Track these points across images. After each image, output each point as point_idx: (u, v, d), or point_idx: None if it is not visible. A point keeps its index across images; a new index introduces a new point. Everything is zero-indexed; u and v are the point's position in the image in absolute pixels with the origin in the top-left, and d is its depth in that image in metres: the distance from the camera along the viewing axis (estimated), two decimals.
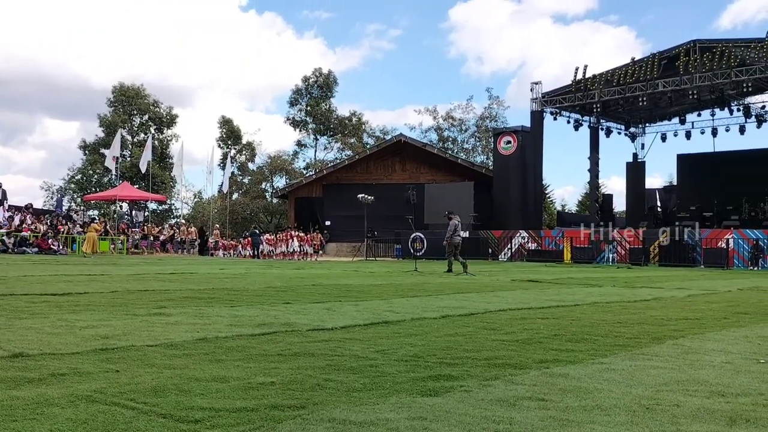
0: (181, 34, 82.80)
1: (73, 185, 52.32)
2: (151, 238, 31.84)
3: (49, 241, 27.29)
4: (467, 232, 33.28)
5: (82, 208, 41.26)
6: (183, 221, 36.46)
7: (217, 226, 36.86)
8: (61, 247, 27.84)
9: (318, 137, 57.95)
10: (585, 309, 7.92)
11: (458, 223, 17.70)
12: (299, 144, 58.48)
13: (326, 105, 56.86)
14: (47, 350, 4.27)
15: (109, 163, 35.58)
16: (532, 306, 8.09)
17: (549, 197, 54.90)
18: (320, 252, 33.50)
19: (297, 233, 33.12)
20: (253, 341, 4.85)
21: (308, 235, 33.33)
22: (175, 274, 13.70)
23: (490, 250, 33.23)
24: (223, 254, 34.85)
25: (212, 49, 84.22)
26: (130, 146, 51.80)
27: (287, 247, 32.75)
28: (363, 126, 58.26)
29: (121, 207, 38.03)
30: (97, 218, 35.67)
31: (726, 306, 8.75)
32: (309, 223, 36.57)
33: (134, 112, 52.57)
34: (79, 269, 15.01)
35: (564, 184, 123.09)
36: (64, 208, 33.29)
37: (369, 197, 31.72)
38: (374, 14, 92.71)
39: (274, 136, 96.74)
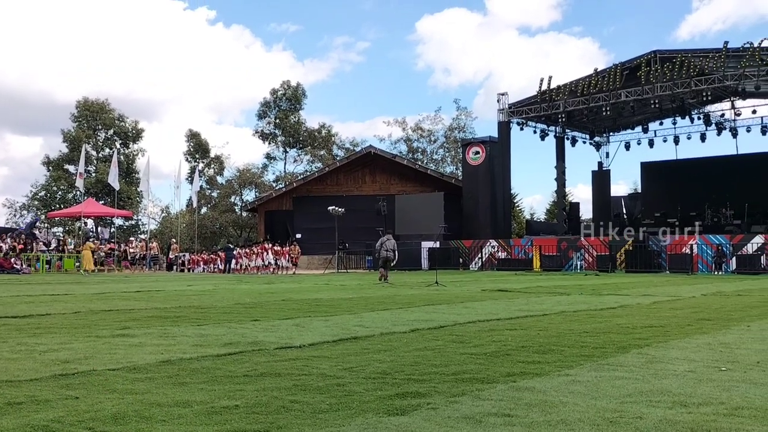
0: (148, 47, 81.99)
1: (36, 202, 51.16)
2: (116, 254, 31.24)
3: (12, 260, 26.64)
4: (438, 242, 33.46)
5: (45, 225, 40.37)
6: (141, 237, 35.44)
7: (174, 240, 36.16)
8: (23, 266, 27.20)
9: (287, 150, 57.74)
10: (552, 318, 7.99)
11: (386, 239, 19.25)
12: (268, 157, 58.18)
13: (295, 117, 56.71)
14: (4, 377, 4.14)
15: (79, 183, 34.91)
16: (500, 317, 8.13)
17: (518, 206, 55.45)
18: (296, 264, 32.83)
19: (272, 246, 32.48)
20: (218, 362, 4.78)
21: (285, 248, 32.67)
22: (141, 292, 13.47)
23: (461, 260, 33.42)
24: (204, 269, 34.32)
25: (180, 63, 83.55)
26: (95, 162, 50.93)
27: (263, 261, 32.14)
28: (332, 138, 58.22)
29: (85, 224, 37.30)
30: (91, 237, 34.87)
31: (690, 312, 8.91)
32: (286, 236, 36.23)
33: (99, 127, 51.72)
34: (42, 289, 14.67)
35: (532, 193, 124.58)
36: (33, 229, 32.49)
37: (339, 209, 31.69)
38: (342, 27, 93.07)
39: (242, 149, 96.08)
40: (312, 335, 6.33)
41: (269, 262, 31.54)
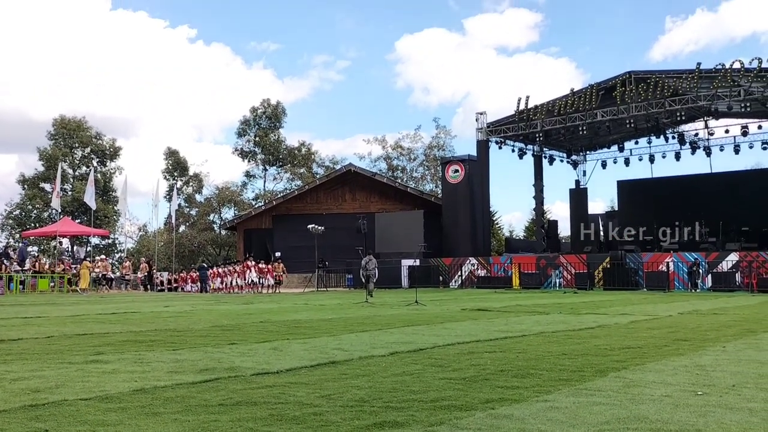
0: (128, 64, 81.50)
1: (11, 221, 50.28)
2: (93, 274, 30.65)
3: None
4: (418, 260, 33.46)
5: (20, 244, 39.63)
6: (100, 257, 34.52)
7: (143, 259, 35.62)
8: None
9: (267, 168, 57.56)
10: (531, 340, 8.00)
11: (368, 260, 21.60)
12: (248, 175, 57.92)
13: (275, 135, 56.64)
14: None
15: (55, 203, 34.37)
16: (480, 338, 8.12)
17: (497, 223, 55.76)
18: (281, 282, 32.13)
19: (255, 264, 31.56)
20: (193, 390, 4.70)
21: (269, 266, 32.00)
22: (117, 314, 13.25)
23: (441, 278, 33.42)
24: (192, 287, 33.62)
25: (159, 80, 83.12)
26: (71, 180, 50.29)
27: (245, 279, 31.18)
28: (312, 156, 58.20)
29: (61, 243, 36.71)
30: (66, 256, 34.13)
31: (666, 332, 8.98)
32: (265, 254, 35.89)
33: (76, 145, 51.14)
34: (15, 311, 14.36)
35: (511, 210, 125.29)
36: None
37: (319, 227, 31.55)
38: (322, 46, 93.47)
39: (222, 167, 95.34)
40: (290, 360, 6.26)
41: (252, 281, 31.02)
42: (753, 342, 7.77)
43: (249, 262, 31.36)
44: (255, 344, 7.63)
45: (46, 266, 31.30)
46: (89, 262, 30.29)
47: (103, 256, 36.89)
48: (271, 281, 31.14)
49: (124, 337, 8.53)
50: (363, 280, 22.20)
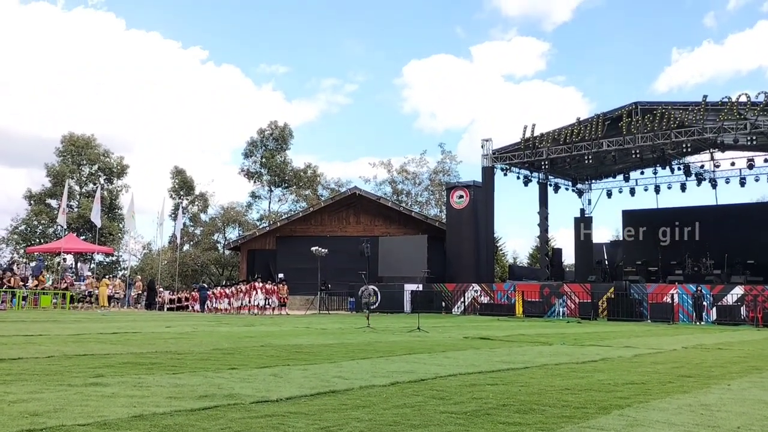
0: (141, 84, 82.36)
1: (16, 236, 50.44)
2: (96, 293, 30.66)
3: None
4: (421, 285, 33.36)
5: (24, 260, 39.74)
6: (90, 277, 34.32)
7: (138, 277, 35.56)
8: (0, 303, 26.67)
9: (272, 189, 57.77)
10: (534, 372, 7.92)
11: (365, 288, 23.57)
12: (253, 195, 58.14)
13: (281, 157, 56.94)
14: None
15: (61, 220, 34.51)
16: (482, 369, 8.05)
17: (501, 250, 55.63)
18: (285, 304, 31.75)
19: (262, 285, 30.65)
20: (192, 418, 4.66)
21: (275, 286, 31.62)
22: (118, 333, 13.21)
23: (443, 304, 33.28)
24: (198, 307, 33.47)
25: (169, 100, 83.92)
26: (78, 196, 50.54)
27: (250, 300, 30.44)
28: (318, 178, 58.42)
29: (65, 260, 36.76)
30: (69, 272, 34.18)
31: (671, 367, 8.89)
32: (268, 275, 35.81)
33: (83, 162, 51.50)
34: (17, 328, 14.34)
35: (516, 236, 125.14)
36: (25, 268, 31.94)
37: (322, 250, 31.50)
38: (330, 69, 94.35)
39: (228, 187, 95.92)
40: (290, 387, 6.22)
41: (257, 303, 30.37)
42: (758, 380, 7.68)
43: (256, 284, 31.02)
44: (255, 369, 7.58)
45: (49, 282, 31.33)
46: (107, 279, 30.41)
47: (115, 277, 37.00)
48: (276, 302, 30.95)
49: (125, 358, 8.49)
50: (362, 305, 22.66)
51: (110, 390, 5.81)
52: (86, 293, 30.55)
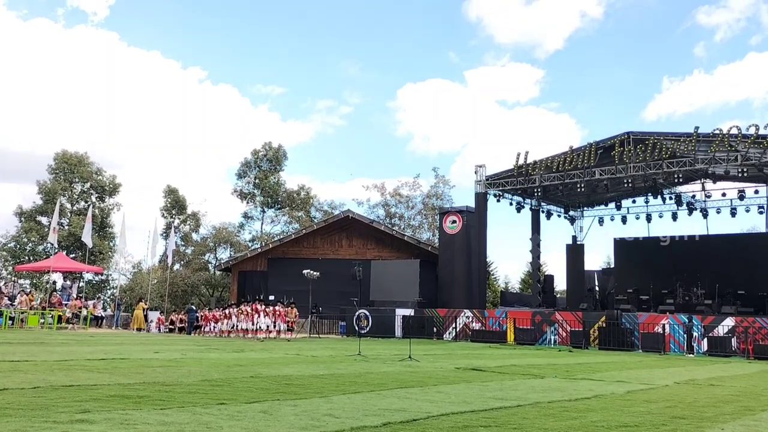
0: (137, 102, 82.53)
1: (5, 252, 50.01)
2: (84, 313, 30.37)
3: None
4: (413, 310, 33.23)
5: (12, 278, 39.37)
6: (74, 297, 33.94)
7: (143, 305, 35.14)
8: None
9: (265, 210, 57.67)
10: (527, 412, 7.85)
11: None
12: (246, 216, 57.99)
13: (275, 178, 56.94)
14: None
15: (52, 238, 34.29)
16: (474, 408, 7.98)
17: (493, 275, 55.57)
18: (293, 329, 30.21)
19: (264, 307, 29.01)
20: None
21: (282, 310, 29.80)
22: (105, 360, 13.04)
23: (435, 329, 33.12)
24: (214, 327, 32.23)
25: (165, 119, 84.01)
26: (69, 214, 50.25)
27: (253, 323, 28.69)
28: (311, 200, 58.40)
29: (54, 283, 36.45)
30: (57, 291, 33.86)
31: (663, 407, 8.84)
32: (260, 296, 35.41)
33: (75, 179, 51.30)
34: (2, 351, 14.15)
35: (507, 261, 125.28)
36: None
37: (314, 273, 31.34)
38: (326, 91, 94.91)
39: (220, 207, 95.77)
40: (279, 427, 6.12)
41: (259, 326, 28.64)
42: (752, 424, 7.64)
43: (258, 306, 29.81)
44: (244, 405, 7.48)
45: (36, 302, 31.01)
46: (144, 303, 30.29)
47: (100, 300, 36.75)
48: (283, 326, 29.78)
49: (112, 390, 8.36)
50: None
51: (96, 428, 5.70)
52: (72, 314, 30.25)
